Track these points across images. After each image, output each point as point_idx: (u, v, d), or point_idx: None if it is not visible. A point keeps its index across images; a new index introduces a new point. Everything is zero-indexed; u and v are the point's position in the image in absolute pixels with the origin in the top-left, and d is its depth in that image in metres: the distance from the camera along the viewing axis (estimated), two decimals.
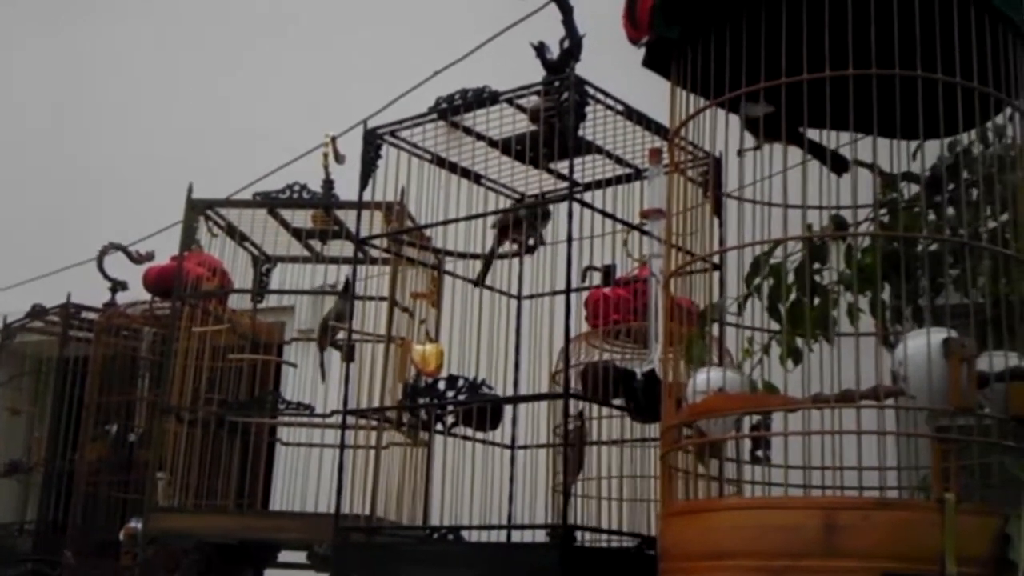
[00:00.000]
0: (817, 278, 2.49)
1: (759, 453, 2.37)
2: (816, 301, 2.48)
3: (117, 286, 4.94)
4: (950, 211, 2.52)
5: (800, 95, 2.13)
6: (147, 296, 4.69)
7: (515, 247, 3.21)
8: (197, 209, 3.84)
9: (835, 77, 2.12)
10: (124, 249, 4.91)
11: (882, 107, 2.14)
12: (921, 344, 2.01)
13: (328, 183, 3.78)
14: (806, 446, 2.16)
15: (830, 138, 2.47)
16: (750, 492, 2.34)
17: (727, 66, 2.20)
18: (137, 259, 4.83)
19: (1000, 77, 2.17)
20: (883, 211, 2.48)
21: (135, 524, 4.14)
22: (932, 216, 2.49)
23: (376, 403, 3.04)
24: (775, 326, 2.48)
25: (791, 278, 2.45)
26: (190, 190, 3.84)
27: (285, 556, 3.80)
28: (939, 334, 2.02)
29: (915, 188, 2.48)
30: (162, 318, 4.61)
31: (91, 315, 4.99)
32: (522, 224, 3.33)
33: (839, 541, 1.85)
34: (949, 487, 1.89)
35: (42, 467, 5.13)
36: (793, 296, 2.45)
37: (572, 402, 2.72)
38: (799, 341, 2.42)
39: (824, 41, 2.11)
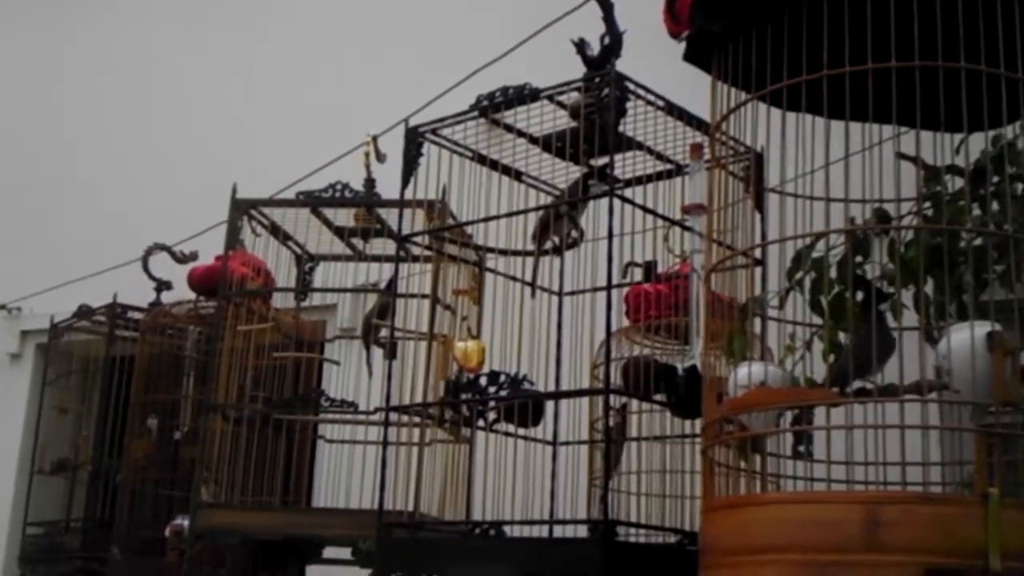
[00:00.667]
0: (860, 272, 2.48)
1: (801, 448, 2.36)
2: (859, 296, 2.47)
3: (162, 286, 5.00)
4: (994, 205, 2.50)
5: (843, 88, 2.13)
6: (192, 295, 4.74)
7: (556, 243, 3.22)
8: (241, 209, 3.88)
9: (878, 70, 2.11)
10: (169, 249, 4.96)
11: (925, 100, 2.13)
12: (965, 337, 2.00)
13: (370, 182, 3.80)
14: (849, 441, 2.15)
15: (873, 131, 2.45)
16: (792, 487, 2.33)
17: (768, 60, 2.20)
18: (182, 259, 4.88)
19: None
20: (927, 204, 2.46)
21: (181, 521, 4.19)
22: (976, 210, 2.47)
23: (419, 400, 3.06)
24: (817, 321, 2.47)
25: (833, 272, 2.43)
26: (234, 190, 3.87)
27: (329, 552, 3.82)
28: (983, 327, 2.00)
29: (959, 181, 2.46)
30: (207, 317, 4.66)
31: (137, 315, 5.05)
32: (563, 220, 3.34)
33: (882, 536, 1.84)
34: (993, 482, 1.88)
35: (89, 465, 5.20)
36: (835, 291, 2.44)
37: (614, 396, 2.72)
38: (842, 336, 2.41)
39: (867, 34, 2.10)
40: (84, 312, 5.23)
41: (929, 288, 2.42)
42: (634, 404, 3.08)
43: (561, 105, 2.93)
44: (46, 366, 5.96)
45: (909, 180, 2.42)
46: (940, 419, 2.17)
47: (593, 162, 3.09)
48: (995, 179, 2.37)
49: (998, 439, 1.95)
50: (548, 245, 3.26)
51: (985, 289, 2.31)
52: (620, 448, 3.07)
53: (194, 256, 4.83)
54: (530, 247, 3.19)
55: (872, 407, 2.08)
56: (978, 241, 2.36)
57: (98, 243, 5.82)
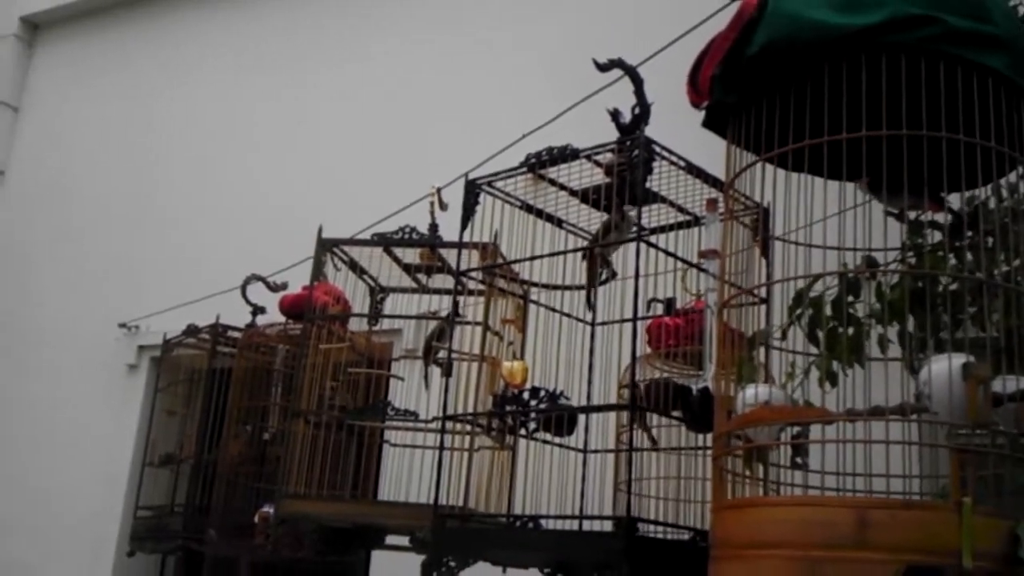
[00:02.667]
0: (851, 310, 2.45)
1: (799, 460, 2.33)
2: (850, 330, 2.44)
3: (257, 310, 5.01)
4: (968, 256, 2.47)
5: (840, 153, 2.11)
6: (282, 319, 4.74)
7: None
8: (325, 247, 3.89)
9: (871, 137, 2.10)
10: (264, 279, 4.99)
11: (912, 164, 2.11)
12: (943, 367, 1.97)
13: (433, 226, 3.80)
14: (841, 454, 2.11)
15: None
16: (790, 493, 2.29)
17: (776, 127, 2.18)
18: (274, 288, 4.90)
19: (1014, 139, 2.13)
20: (910, 253, 2.43)
21: (267, 508, 4.18)
22: (953, 259, 2.44)
23: (470, 411, 3.05)
24: (814, 351, 2.44)
25: (829, 310, 2.41)
26: (320, 231, 3.89)
27: (391, 539, 3.80)
28: (959, 359, 1.97)
29: (938, 235, 2.43)
30: (294, 337, 4.67)
31: (235, 334, 5.07)
32: (596, 262, 3.33)
33: (869, 535, 1.81)
34: (966, 492, 1.84)
35: (191, 459, 5.21)
36: (830, 325, 2.41)
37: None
38: (835, 365, 2.38)
39: (862, 107, 2.08)
40: (191, 331, 5.26)
41: (911, 326, 2.39)
42: (654, 419, 3.04)
43: (597, 163, 2.93)
44: (158, 376, 6.01)
45: (895, 232, 2.40)
46: (920, 437, 2.13)
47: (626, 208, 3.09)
48: (969, 233, 2.34)
49: (971, 455, 1.91)
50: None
51: (960, 327, 2.27)
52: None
53: (284, 286, 4.85)
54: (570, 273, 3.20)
55: (861, 425, 2.04)
56: (954, 286, 2.33)
57: (205, 273, 5.87)
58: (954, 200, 2.41)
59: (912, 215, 2.39)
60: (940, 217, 2.37)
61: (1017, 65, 2.14)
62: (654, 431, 3.10)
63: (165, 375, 5.82)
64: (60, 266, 6.97)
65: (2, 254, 7.34)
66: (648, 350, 3.20)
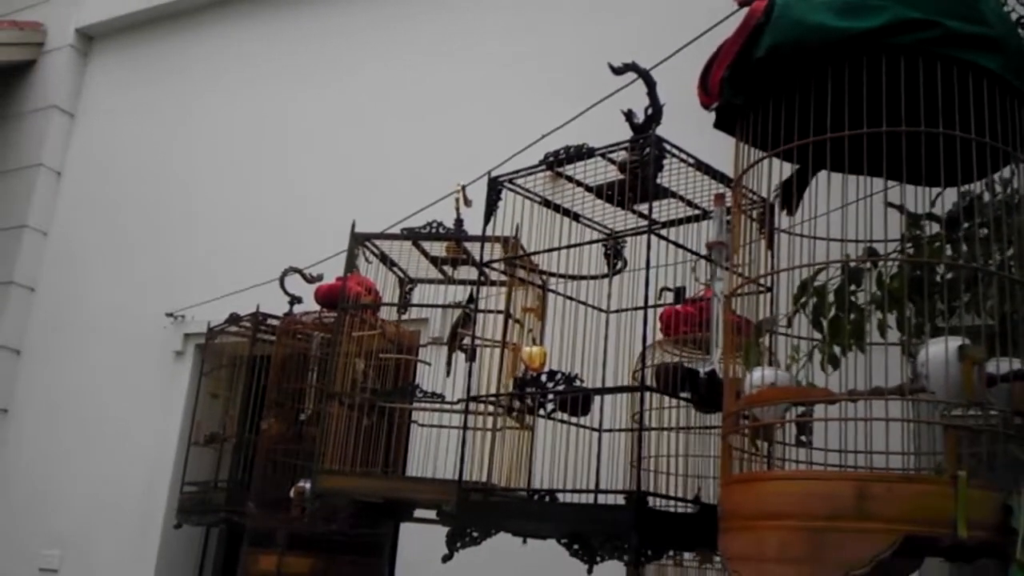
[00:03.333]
0: (853, 298, 2.43)
1: (803, 438, 2.31)
2: (852, 317, 2.42)
3: (294, 300, 5.02)
4: (964, 246, 2.44)
5: (843, 149, 2.09)
6: (317, 308, 4.76)
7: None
8: (358, 241, 3.89)
9: (871, 134, 2.08)
10: (300, 272, 4.99)
11: (911, 159, 2.09)
12: (940, 349, 1.95)
13: (459, 221, 3.79)
14: (842, 432, 2.10)
15: (868, 184, 2.40)
16: (795, 468, 2.28)
17: (782, 126, 2.17)
18: (310, 279, 4.91)
19: (1008, 136, 2.10)
20: (909, 244, 2.41)
21: (304, 484, 4.20)
22: (949, 250, 2.41)
23: (492, 393, 3.04)
24: (817, 336, 2.43)
25: (831, 298, 2.39)
26: (353, 226, 3.89)
27: (419, 513, 3.80)
28: (955, 341, 1.95)
29: (936, 226, 2.41)
30: (328, 325, 4.68)
31: (274, 322, 5.08)
32: (610, 255, 3.32)
33: (869, 507, 1.79)
34: (961, 467, 1.82)
35: (233, 438, 5.24)
36: (832, 313, 2.40)
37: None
38: (837, 349, 2.36)
39: (862, 104, 2.07)
40: (233, 319, 5.27)
41: (910, 312, 2.37)
42: (664, 400, 3.02)
43: (612, 161, 2.92)
44: (203, 361, 6.03)
45: (895, 224, 2.37)
46: (918, 415, 2.11)
47: (636, 207, 3.07)
48: (965, 225, 2.32)
49: (966, 432, 1.89)
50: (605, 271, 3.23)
51: (955, 314, 2.25)
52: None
53: (320, 277, 4.85)
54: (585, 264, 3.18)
55: (862, 404, 2.02)
56: (950, 275, 2.30)
57: (246, 267, 5.90)
58: (951, 194, 2.38)
59: (910, 207, 2.36)
60: (937, 210, 2.34)
61: (1010, 65, 2.11)
62: (665, 412, 3.08)
63: (209, 361, 5.84)
64: (112, 261, 7.02)
65: (60, 251, 7.39)
66: (660, 336, 3.18)
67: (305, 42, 6.64)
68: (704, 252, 2.88)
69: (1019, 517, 1.77)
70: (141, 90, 7.43)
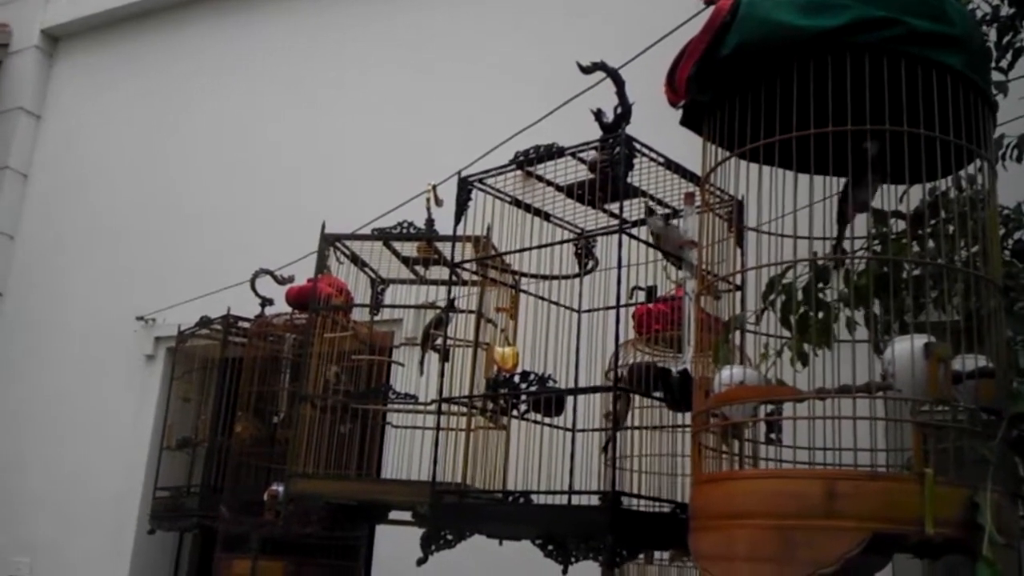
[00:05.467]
0: (821, 296, 2.45)
1: (772, 435, 2.32)
2: (820, 315, 2.43)
3: (266, 302, 5.00)
4: (930, 243, 2.46)
5: (809, 147, 2.10)
6: (288, 309, 4.74)
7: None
8: (328, 241, 3.88)
9: (837, 132, 2.08)
10: (271, 273, 4.97)
11: (876, 157, 2.10)
12: (906, 347, 1.96)
13: (430, 221, 3.79)
14: (811, 430, 2.11)
15: (833, 183, 2.42)
16: (764, 466, 2.29)
17: (748, 124, 2.17)
18: (281, 281, 4.89)
19: (972, 133, 2.12)
20: (876, 242, 2.42)
21: (276, 487, 4.18)
22: (916, 247, 2.43)
23: (465, 394, 3.03)
24: (786, 334, 2.44)
25: (800, 295, 2.40)
26: (323, 227, 3.88)
27: (393, 514, 3.80)
28: (921, 339, 1.97)
29: (902, 224, 2.42)
30: (300, 327, 4.66)
31: (245, 324, 5.06)
32: (582, 255, 3.32)
33: (837, 505, 1.80)
34: (928, 464, 1.84)
35: (206, 442, 5.20)
36: (801, 310, 2.41)
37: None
38: (806, 347, 2.38)
39: (828, 103, 2.07)
40: (204, 322, 5.25)
41: (877, 309, 2.39)
42: (638, 400, 3.03)
43: (581, 160, 2.92)
44: (174, 364, 5.99)
45: (861, 222, 2.39)
46: (885, 413, 2.13)
47: (607, 206, 3.07)
48: (931, 222, 2.34)
49: (932, 430, 1.90)
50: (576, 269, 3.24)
51: (922, 311, 2.27)
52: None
53: (291, 278, 4.83)
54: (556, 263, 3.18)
55: (830, 402, 2.04)
56: (917, 272, 2.32)
57: (216, 268, 5.86)
58: (916, 191, 2.40)
59: (876, 205, 2.38)
60: (903, 207, 2.36)
61: (973, 63, 2.13)
62: (638, 412, 3.09)
63: (180, 364, 5.81)
64: (81, 265, 6.95)
65: (29, 254, 7.32)
66: (632, 335, 3.19)
67: (274, 43, 6.61)
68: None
69: (985, 513, 1.79)
70: (108, 91, 7.36)
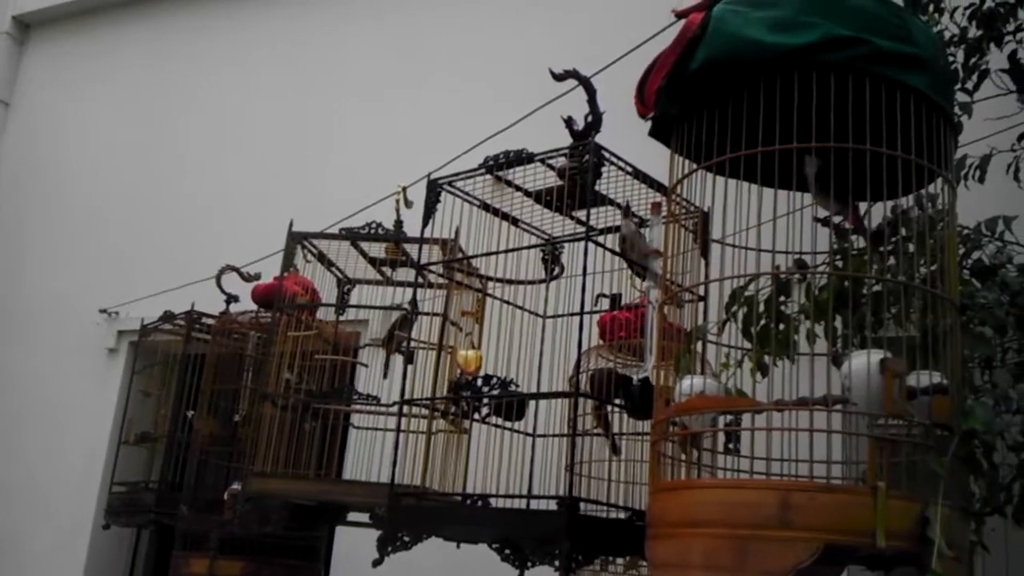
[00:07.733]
0: (782, 308, 2.47)
1: (730, 445, 2.34)
2: (781, 327, 2.46)
3: (230, 299, 4.97)
4: (891, 260, 2.49)
5: (773, 162, 2.12)
6: (253, 307, 4.71)
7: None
8: (295, 240, 3.86)
9: (801, 148, 2.10)
10: (237, 270, 4.94)
11: (838, 174, 2.12)
12: (863, 362, 1.99)
13: (399, 222, 3.78)
14: (768, 441, 2.12)
15: (796, 198, 2.44)
16: (722, 476, 2.30)
17: (715, 138, 2.19)
18: (247, 278, 4.86)
19: (933, 153, 2.15)
20: (837, 257, 2.45)
21: (236, 486, 4.14)
22: (876, 264, 2.46)
23: (427, 396, 3.03)
24: (747, 345, 2.46)
25: (761, 308, 2.42)
26: (291, 225, 3.85)
27: (352, 516, 3.78)
28: (877, 354, 1.99)
29: (863, 241, 2.45)
30: (264, 325, 4.64)
31: (209, 321, 5.02)
32: (548, 261, 3.32)
33: (791, 516, 1.82)
34: (881, 477, 1.86)
35: (165, 438, 5.15)
36: (762, 322, 2.43)
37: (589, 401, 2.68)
38: (766, 358, 2.40)
39: (793, 120, 2.09)
40: (168, 317, 5.21)
41: (837, 323, 2.41)
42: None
43: (551, 167, 2.92)
44: (135, 359, 5.94)
45: (823, 237, 2.41)
46: (841, 426, 2.15)
47: (574, 213, 3.08)
48: (892, 239, 2.37)
49: (887, 443, 1.92)
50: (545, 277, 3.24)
51: (882, 326, 2.30)
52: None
53: (257, 276, 4.81)
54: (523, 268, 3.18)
55: (788, 414, 2.05)
56: (877, 287, 2.35)
57: (181, 263, 5.82)
58: (878, 209, 2.43)
59: (837, 221, 2.40)
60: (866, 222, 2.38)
61: (936, 85, 2.16)
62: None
63: (142, 359, 5.76)
64: (47, 254, 6.87)
65: None
66: (600, 342, 3.19)
67: (245, 38, 6.57)
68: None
69: (935, 527, 1.81)
70: (79, 80, 7.27)
